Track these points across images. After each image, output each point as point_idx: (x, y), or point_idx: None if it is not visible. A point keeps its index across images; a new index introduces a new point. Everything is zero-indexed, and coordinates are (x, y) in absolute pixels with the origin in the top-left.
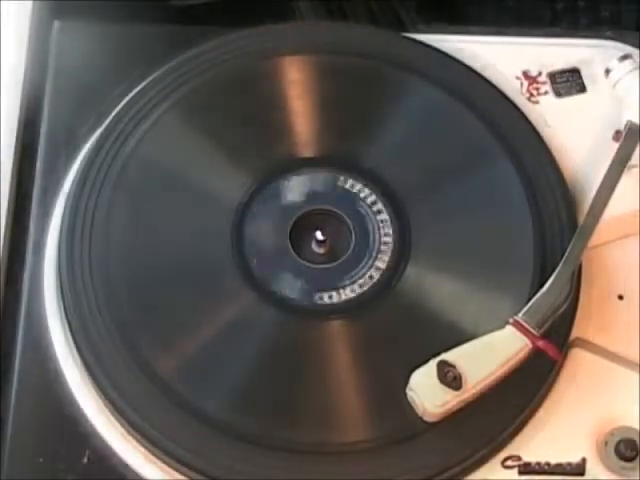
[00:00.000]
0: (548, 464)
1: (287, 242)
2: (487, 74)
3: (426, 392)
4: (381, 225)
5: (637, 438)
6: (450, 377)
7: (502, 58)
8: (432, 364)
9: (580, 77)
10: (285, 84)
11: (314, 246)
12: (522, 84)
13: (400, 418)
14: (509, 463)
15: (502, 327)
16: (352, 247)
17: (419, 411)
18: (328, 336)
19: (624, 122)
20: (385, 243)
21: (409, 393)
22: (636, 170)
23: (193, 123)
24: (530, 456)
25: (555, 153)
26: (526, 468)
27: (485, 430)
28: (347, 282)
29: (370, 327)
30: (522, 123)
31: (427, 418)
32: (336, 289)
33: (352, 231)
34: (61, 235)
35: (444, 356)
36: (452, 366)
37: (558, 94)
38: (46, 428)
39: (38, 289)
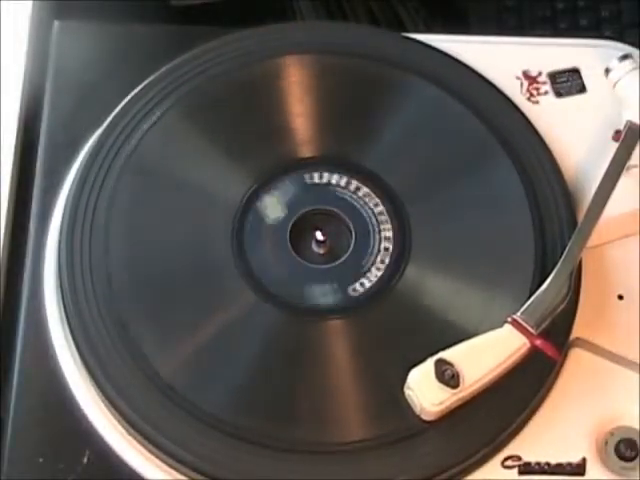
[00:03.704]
0: (548, 464)
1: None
2: (487, 74)
3: (424, 390)
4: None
5: (637, 438)
6: (448, 375)
7: (502, 58)
8: (430, 362)
9: (580, 77)
10: (285, 84)
11: (314, 246)
12: (522, 84)
13: (400, 418)
14: (509, 463)
15: (501, 326)
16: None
17: (417, 409)
18: (328, 336)
19: (624, 122)
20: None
21: (407, 391)
22: (636, 170)
23: (193, 123)
24: (530, 456)
25: (555, 153)
26: (526, 468)
27: (485, 430)
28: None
29: (370, 327)
30: (522, 123)
31: (425, 416)
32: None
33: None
34: (61, 235)
35: (442, 354)
36: (450, 364)
37: (558, 94)
38: (46, 428)
39: (38, 289)
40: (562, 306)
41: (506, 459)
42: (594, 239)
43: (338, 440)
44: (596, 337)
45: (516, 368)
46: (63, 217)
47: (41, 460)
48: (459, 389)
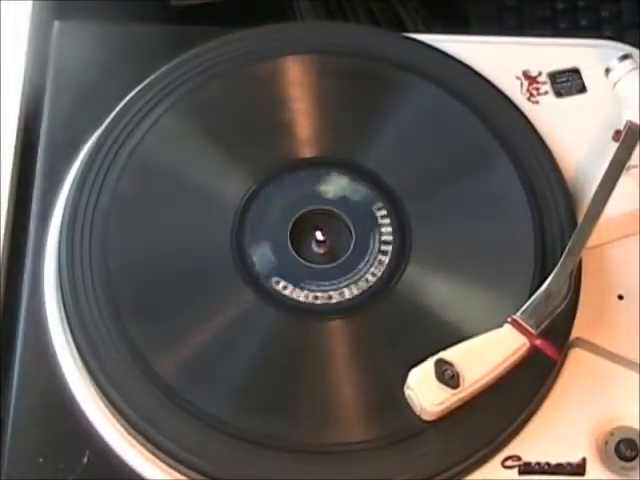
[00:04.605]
0: (548, 464)
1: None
2: (487, 74)
3: (424, 390)
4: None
5: (637, 438)
6: (448, 375)
7: (502, 58)
8: (430, 362)
9: (580, 77)
10: (285, 84)
11: (314, 246)
12: (522, 84)
13: (400, 418)
14: (509, 463)
15: (501, 326)
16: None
17: (417, 409)
18: (328, 336)
19: (624, 122)
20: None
21: (407, 391)
22: (636, 170)
23: (193, 123)
24: (530, 456)
25: (555, 153)
26: (526, 468)
27: (485, 430)
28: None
29: (370, 327)
30: (522, 123)
31: (425, 416)
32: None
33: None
34: (61, 235)
35: (442, 354)
36: (450, 364)
37: (558, 94)
38: (46, 428)
39: (38, 289)
40: (562, 306)
41: (506, 459)
42: (594, 239)
43: (338, 440)
44: (596, 337)
45: (516, 368)
46: (63, 217)
47: (41, 460)
48: (459, 389)
